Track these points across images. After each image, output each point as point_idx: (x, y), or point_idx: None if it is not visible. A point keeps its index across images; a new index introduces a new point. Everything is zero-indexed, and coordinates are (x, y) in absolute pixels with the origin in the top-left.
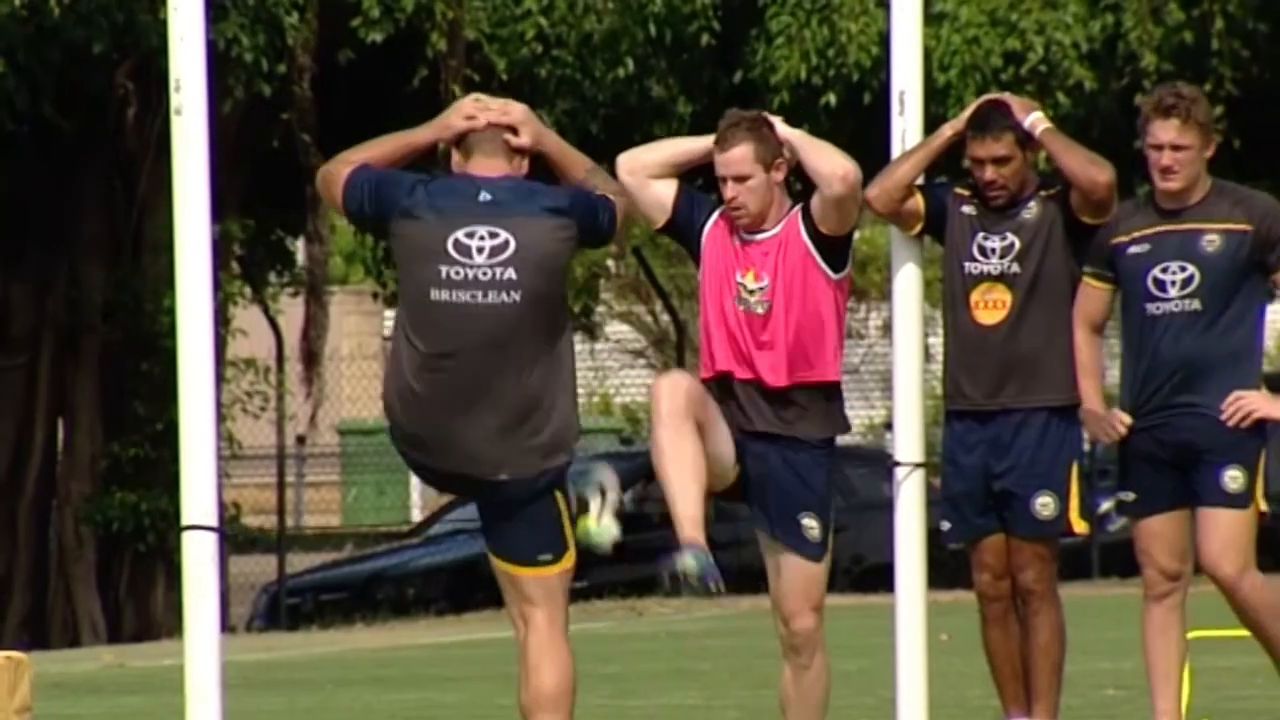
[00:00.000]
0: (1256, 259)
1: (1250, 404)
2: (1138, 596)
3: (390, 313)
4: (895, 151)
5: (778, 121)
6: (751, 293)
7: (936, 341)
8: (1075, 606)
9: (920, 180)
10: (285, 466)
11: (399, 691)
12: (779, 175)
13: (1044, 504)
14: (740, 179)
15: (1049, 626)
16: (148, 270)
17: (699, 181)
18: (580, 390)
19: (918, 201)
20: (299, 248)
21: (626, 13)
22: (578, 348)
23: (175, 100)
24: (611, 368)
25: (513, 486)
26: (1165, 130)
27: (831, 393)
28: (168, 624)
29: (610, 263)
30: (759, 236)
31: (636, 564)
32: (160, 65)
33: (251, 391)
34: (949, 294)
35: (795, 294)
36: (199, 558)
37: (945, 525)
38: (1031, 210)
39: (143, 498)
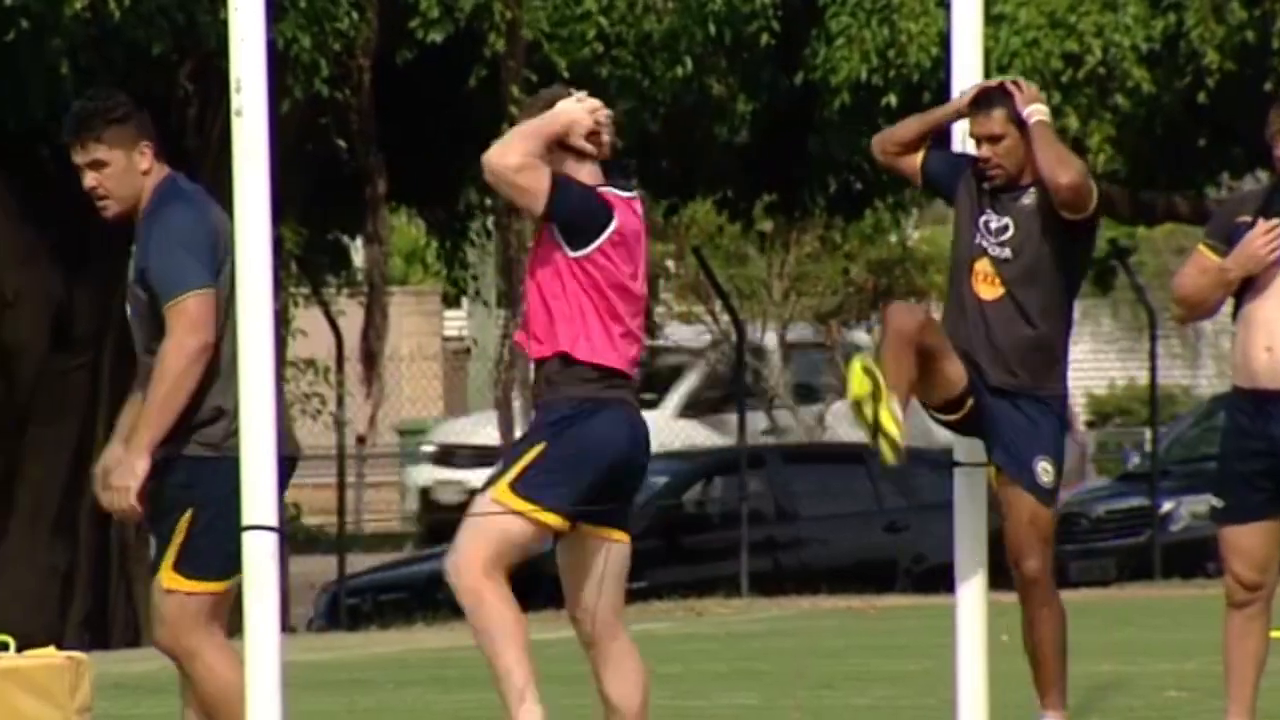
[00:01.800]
0: None
1: None
2: (1200, 597)
3: (451, 313)
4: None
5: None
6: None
7: None
8: (1138, 608)
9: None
10: (345, 467)
11: (459, 692)
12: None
13: (1044, 469)
14: None
15: (1050, 620)
16: None
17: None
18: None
19: (915, 160)
20: (357, 248)
21: (686, 12)
22: None
23: (236, 101)
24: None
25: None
26: None
27: (562, 366)
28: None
29: (669, 263)
30: None
31: (696, 564)
32: (220, 66)
33: (310, 393)
34: (955, 260)
35: (536, 269)
36: (259, 558)
37: None
38: (1031, 196)
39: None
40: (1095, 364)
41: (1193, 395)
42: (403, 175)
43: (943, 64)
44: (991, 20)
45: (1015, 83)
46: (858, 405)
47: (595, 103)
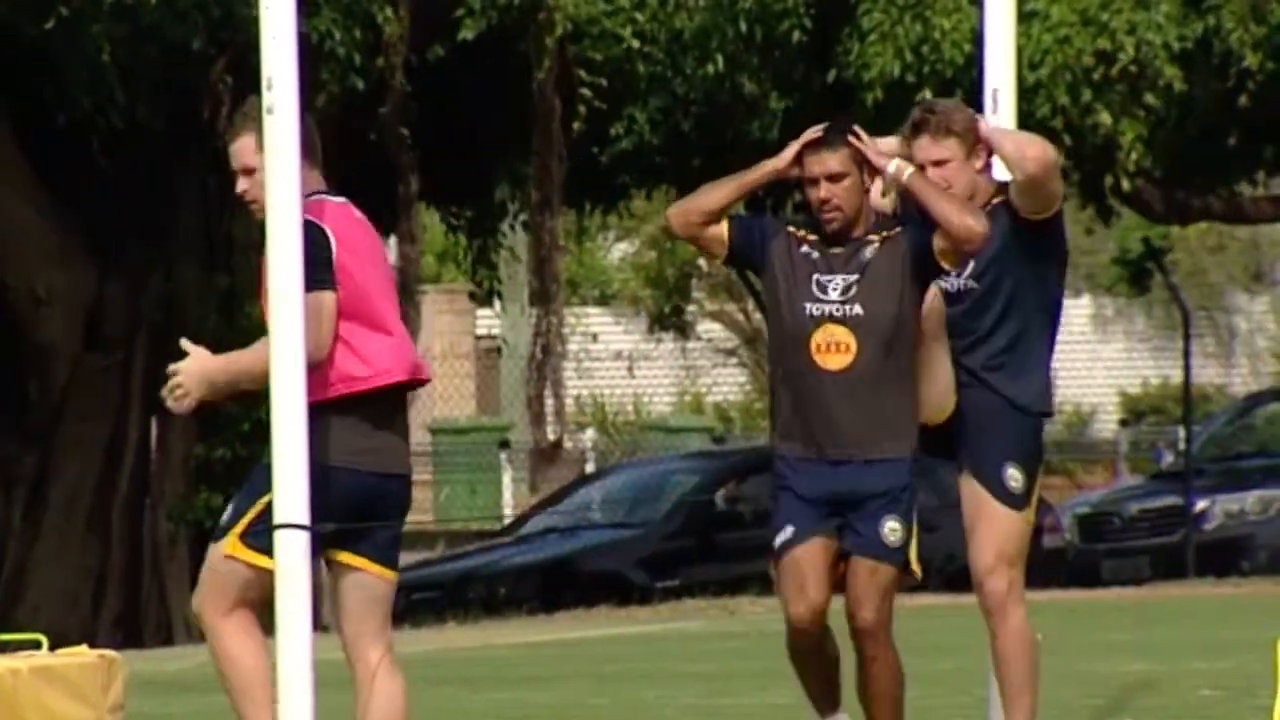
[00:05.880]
0: None
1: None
2: (1234, 596)
3: (483, 312)
4: None
5: None
6: None
7: None
8: (1171, 607)
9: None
10: None
11: (490, 691)
12: None
13: (891, 529)
14: None
15: (884, 671)
16: (239, 269)
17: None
18: (672, 389)
19: (722, 229)
20: (390, 246)
21: (717, 9)
22: (669, 346)
23: (267, 99)
24: (703, 366)
25: None
26: (921, 149)
27: None
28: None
29: (702, 262)
30: None
31: (728, 563)
32: (254, 61)
33: None
34: (781, 336)
35: None
36: (291, 556)
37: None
38: (873, 248)
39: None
40: (1129, 362)
41: (1226, 394)
42: (434, 173)
43: (974, 61)
44: (1024, 17)
45: (856, 133)
46: None
47: None
